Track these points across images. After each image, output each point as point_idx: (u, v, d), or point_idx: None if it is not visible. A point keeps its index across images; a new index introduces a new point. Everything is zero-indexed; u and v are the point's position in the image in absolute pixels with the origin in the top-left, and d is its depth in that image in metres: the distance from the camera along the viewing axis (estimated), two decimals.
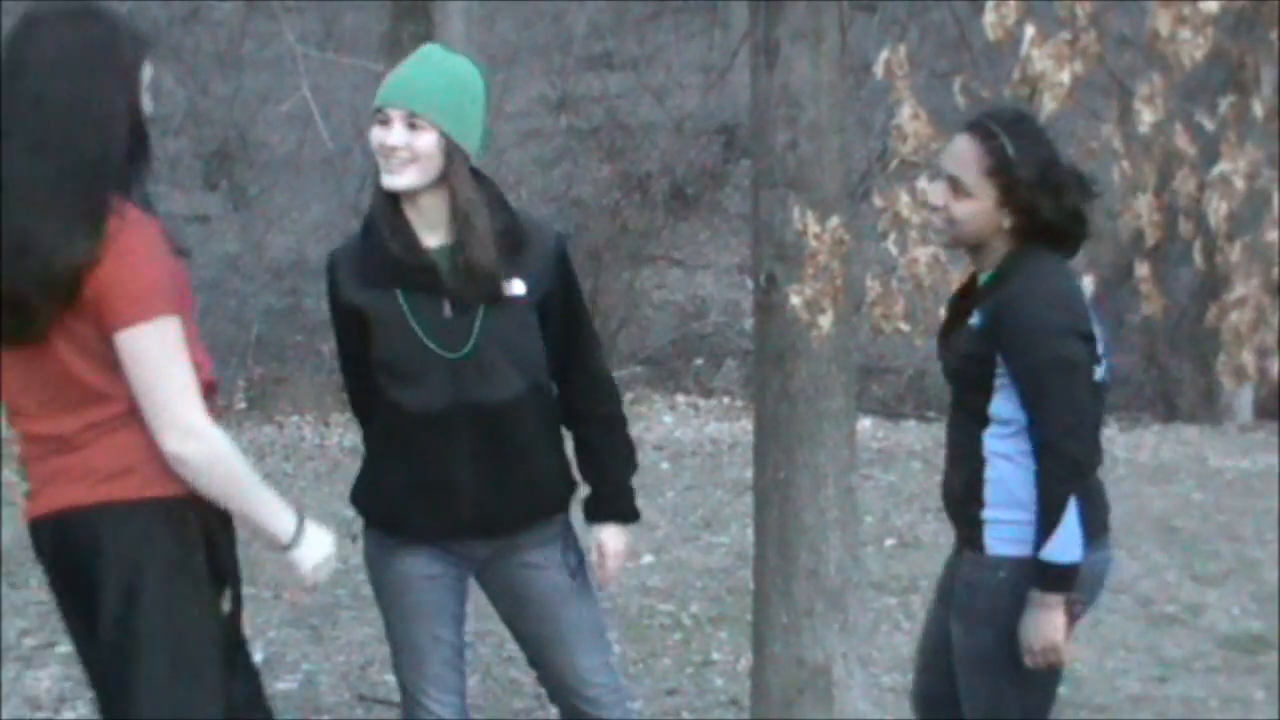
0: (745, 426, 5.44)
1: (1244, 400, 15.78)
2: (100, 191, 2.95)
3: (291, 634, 6.56)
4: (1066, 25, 3.66)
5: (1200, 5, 3.52)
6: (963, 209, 3.62)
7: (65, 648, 6.17)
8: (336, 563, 3.24)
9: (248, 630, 6.47)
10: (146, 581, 3.09)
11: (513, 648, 6.52)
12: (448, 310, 3.56)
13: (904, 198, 5.03)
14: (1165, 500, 10.13)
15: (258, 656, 6.23)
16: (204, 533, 3.14)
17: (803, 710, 4.84)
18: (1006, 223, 3.60)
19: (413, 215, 3.62)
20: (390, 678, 6.05)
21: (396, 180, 3.47)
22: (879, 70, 4.28)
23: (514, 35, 19.12)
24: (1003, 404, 3.57)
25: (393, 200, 3.60)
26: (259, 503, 3.12)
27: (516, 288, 3.58)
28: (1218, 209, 3.60)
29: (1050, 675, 3.67)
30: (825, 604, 4.77)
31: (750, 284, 6.89)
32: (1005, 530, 3.56)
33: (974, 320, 3.58)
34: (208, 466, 3.01)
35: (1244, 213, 3.65)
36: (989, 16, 3.70)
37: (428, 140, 3.48)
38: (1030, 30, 3.65)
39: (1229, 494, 10.43)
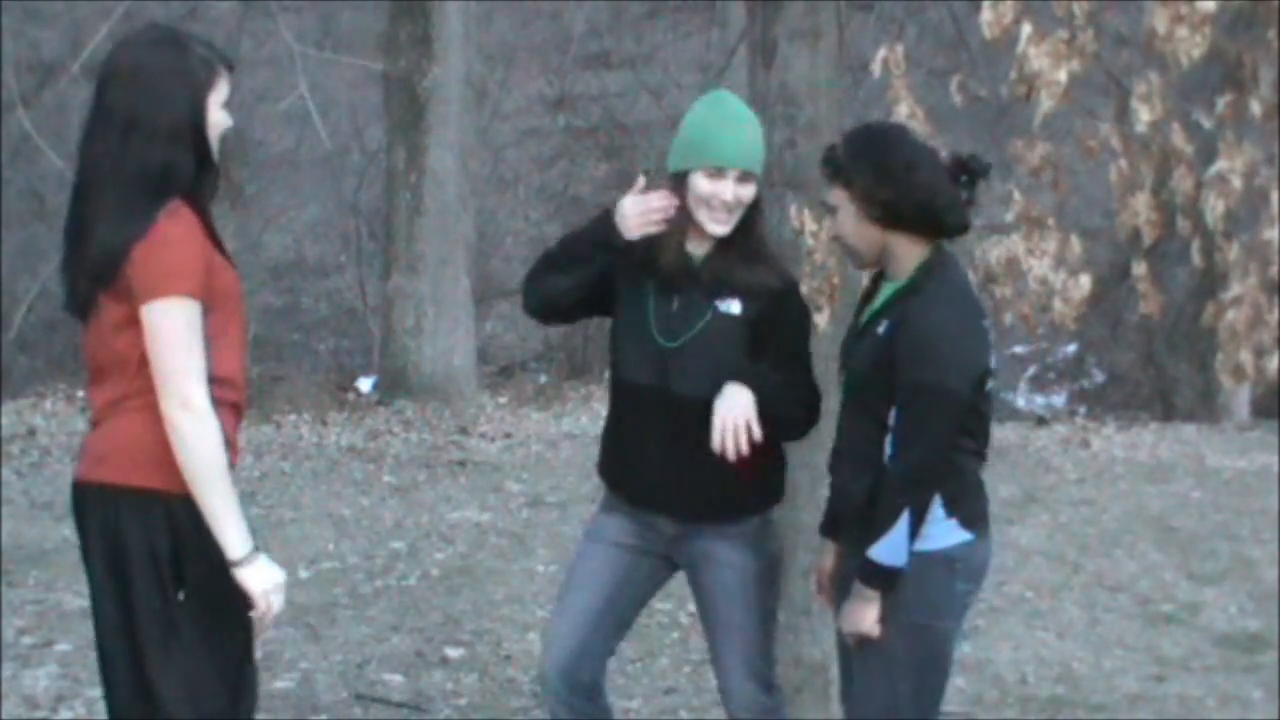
0: None
1: (1241, 399, 15.80)
2: (161, 196, 3.26)
3: (289, 633, 6.56)
4: (1064, 24, 3.66)
5: (1198, 4, 3.53)
6: (838, 225, 3.70)
7: (63, 646, 6.17)
8: (284, 601, 3.40)
9: None
10: (128, 563, 3.32)
11: (510, 647, 6.54)
12: (675, 304, 3.91)
13: None
14: (1163, 499, 10.13)
15: (255, 655, 6.24)
16: (171, 528, 3.32)
17: (801, 708, 4.84)
18: (871, 216, 3.60)
19: (692, 229, 3.94)
20: (387, 677, 6.06)
21: (722, 229, 3.86)
22: (876, 69, 4.28)
23: (511, 34, 19.12)
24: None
25: (679, 197, 3.89)
26: (225, 504, 3.28)
27: (735, 307, 3.89)
28: (1215, 208, 3.61)
29: (941, 678, 3.72)
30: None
31: None
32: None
33: (882, 330, 3.58)
34: (193, 440, 3.21)
35: (1242, 211, 3.65)
36: (986, 15, 3.70)
37: (751, 190, 3.87)
38: (1027, 29, 3.65)
39: (1226, 493, 10.43)
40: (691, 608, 7.16)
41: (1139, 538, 8.89)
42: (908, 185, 3.56)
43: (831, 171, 3.63)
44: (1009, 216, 4.66)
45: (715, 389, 3.79)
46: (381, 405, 12.79)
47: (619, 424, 4.01)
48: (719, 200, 3.81)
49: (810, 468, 4.83)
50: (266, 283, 17.56)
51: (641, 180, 3.88)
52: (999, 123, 13.27)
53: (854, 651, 3.70)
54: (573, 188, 18.92)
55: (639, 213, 3.80)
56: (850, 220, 3.63)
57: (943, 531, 3.58)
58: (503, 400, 13.60)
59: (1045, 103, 3.66)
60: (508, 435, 11.61)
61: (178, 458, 3.23)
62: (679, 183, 3.85)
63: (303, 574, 7.45)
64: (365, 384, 14.20)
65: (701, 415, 3.78)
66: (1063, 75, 3.61)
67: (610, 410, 4.07)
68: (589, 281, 3.91)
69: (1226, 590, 7.85)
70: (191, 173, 3.33)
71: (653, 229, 3.81)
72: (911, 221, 3.58)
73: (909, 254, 3.61)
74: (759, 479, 3.95)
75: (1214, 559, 8.50)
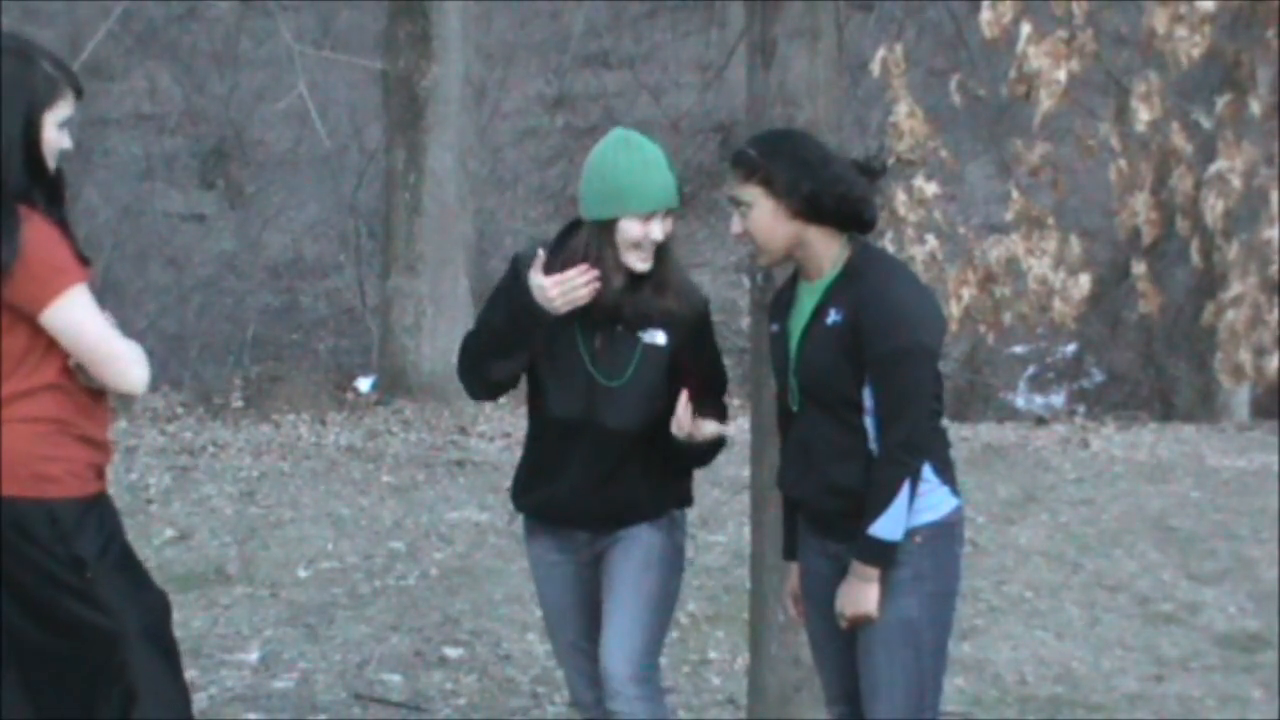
0: (742, 425, 5.44)
1: (1241, 399, 15.79)
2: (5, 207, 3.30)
3: (288, 633, 6.56)
4: (1063, 23, 3.67)
5: (1197, 4, 3.53)
6: (750, 221, 3.75)
7: None
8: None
9: (244, 629, 6.51)
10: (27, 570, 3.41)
11: (509, 646, 6.54)
12: (599, 342, 4.02)
13: (901, 196, 5.04)
14: (1162, 499, 10.11)
15: (254, 655, 6.23)
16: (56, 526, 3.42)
17: (799, 709, 4.84)
18: (791, 211, 3.68)
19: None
20: (386, 676, 6.06)
21: (647, 266, 3.98)
22: (876, 68, 4.29)
23: (511, 34, 19.13)
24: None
25: (606, 242, 3.97)
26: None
27: (659, 338, 4.04)
28: (1215, 207, 3.61)
29: (947, 645, 3.82)
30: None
31: (747, 283, 6.88)
32: (916, 502, 3.67)
33: (832, 319, 3.66)
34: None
35: (1241, 211, 3.66)
36: (985, 15, 3.71)
37: (670, 224, 4.01)
38: (1027, 28, 3.65)
39: (1226, 493, 10.41)
40: (690, 608, 7.18)
41: (1138, 537, 8.88)
42: (827, 178, 3.66)
43: (748, 169, 3.71)
44: (1009, 216, 4.66)
45: (642, 420, 3.97)
46: (380, 405, 12.77)
47: (539, 454, 4.13)
48: (650, 241, 3.95)
49: None
50: (265, 282, 17.54)
51: (541, 254, 3.92)
52: (999, 123, 13.27)
53: (865, 636, 3.74)
54: (572, 188, 18.82)
55: (563, 292, 3.88)
56: (765, 216, 3.70)
57: (941, 500, 3.72)
58: (502, 400, 13.58)
59: (1045, 102, 3.67)
60: (507, 435, 11.59)
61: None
62: (604, 228, 3.95)
63: (301, 574, 7.44)
64: (364, 384, 14.18)
65: (624, 442, 4.00)
66: (1062, 75, 3.62)
67: (529, 442, 4.17)
68: (528, 354, 4.02)
69: (1226, 590, 7.84)
70: (22, 184, 3.32)
71: (580, 302, 3.90)
72: (831, 214, 3.67)
73: (827, 249, 3.71)
74: (666, 485, 4.12)
75: (1213, 559, 8.49)
